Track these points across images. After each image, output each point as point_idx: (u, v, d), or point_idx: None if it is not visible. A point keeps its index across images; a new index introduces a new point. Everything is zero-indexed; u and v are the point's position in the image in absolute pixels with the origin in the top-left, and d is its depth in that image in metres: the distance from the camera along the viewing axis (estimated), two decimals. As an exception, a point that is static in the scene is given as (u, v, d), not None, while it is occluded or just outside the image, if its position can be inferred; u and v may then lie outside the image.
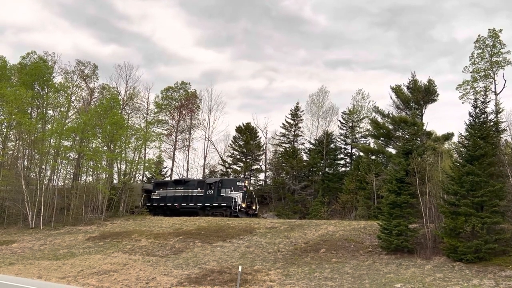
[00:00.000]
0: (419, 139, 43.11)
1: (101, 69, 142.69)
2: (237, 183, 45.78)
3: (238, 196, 43.86)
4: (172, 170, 66.85)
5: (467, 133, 26.30)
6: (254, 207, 45.59)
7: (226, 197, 44.38)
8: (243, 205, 43.79)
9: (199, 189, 46.81)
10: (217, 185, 45.71)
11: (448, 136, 50.16)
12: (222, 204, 44.36)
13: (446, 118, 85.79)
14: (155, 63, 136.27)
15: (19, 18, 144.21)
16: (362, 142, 59.48)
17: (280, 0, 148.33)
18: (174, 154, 66.89)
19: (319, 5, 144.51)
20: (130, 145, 51.93)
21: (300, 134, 64.48)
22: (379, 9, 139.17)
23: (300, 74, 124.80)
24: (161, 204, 49.19)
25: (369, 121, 57.56)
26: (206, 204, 45.48)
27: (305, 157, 61.06)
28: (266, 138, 66.38)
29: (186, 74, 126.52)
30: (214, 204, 44.97)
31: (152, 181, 55.68)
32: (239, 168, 64.96)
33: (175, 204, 47.96)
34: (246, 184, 47.45)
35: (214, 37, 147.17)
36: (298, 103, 64.71)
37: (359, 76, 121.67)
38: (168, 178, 64.18)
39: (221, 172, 65.50)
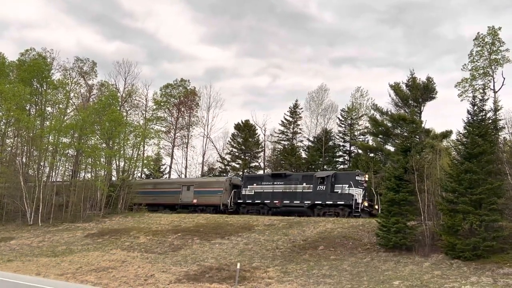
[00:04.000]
0: (417, 137, 43.17)
1: (104, 66, 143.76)
2: (356, 178, 38.63)
3: (358, 193, 37.36)
4: (170, 167, 67.00)
5: (466, 131, 26.32)
6: (376, 206, 37.37)
7: (343, 194, 37.64)
8: (365, 204, 37.46)
9: (304, 184, 40.34)
10: (330, 180, 38.94)
11: (446, 134, 50.27)
12: (339, 203, 37.46)
13: (452, 115, 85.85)
14: (159, 60, 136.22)
15: (23, 14, 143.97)
16: (360, 139, 59.55)
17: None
18: (172, 151, 67.00)
19: (325, 2, 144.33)
20: (128, 142, 51.85)
21: (299, 132, 64.62)
22: (385, 6, 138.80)
23: (305, 71, 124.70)
24: (256, 201, 42.67)
25: (368, 119, 57.65)
26: (316, 202, 38.83)
27: (303, 155, 61.20)
28: (264, 135, 66.47)
29: (190, 71, 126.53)
30: (327, 202, 38.27)
31: (244, 175, 50.77)
32: (237, 166, 65.04)
33: (274, 201, 41.41)
34: (366, 179, 39.86)
35: (219, 34, 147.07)
36: (297, 101, 64.95)
37: (364, 74, 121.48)
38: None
39: (220, 169, 65.56)
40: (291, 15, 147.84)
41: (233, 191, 44.97)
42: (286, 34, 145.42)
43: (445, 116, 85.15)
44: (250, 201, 43.25)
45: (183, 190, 48.09)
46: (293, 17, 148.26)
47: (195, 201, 46.58)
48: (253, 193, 43.35)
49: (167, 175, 65.29)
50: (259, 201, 42.49)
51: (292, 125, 64.61)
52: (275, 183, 42.43)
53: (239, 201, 44.02)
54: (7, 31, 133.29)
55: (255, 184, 43.78)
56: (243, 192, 44.16)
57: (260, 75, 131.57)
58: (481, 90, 40.72)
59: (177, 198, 47.96)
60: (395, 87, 54.07)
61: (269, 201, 41.87)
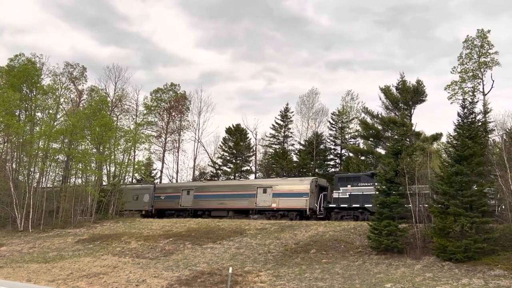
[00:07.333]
0: (408, 140, 43.33)
1: (99, 71, 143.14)
2: None
3: None
4: (161, 171, 66.84)
5: (456, 133, 26.49)
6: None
7: None
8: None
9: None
10: None
11: (436, 136, 50.63)
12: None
13: (446, 117, 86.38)
14: (155, 64, 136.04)
15: (17, 19, 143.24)
16: (351, 142, 59.78)
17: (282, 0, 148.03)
18: (163, 155, 66.82)
19: (321, 5, 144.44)
20: (119, 147, 51.69)
21: (290, 135, 64.78)
22: (382, 7, 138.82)
23: (301, 75, 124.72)
24: (353, 205, 37.28)
25: (359, 122, 57.90)
26: None
27: (295, 158, 61.28)
28: (256, 139, 66.47)
29: (185, 75, 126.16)
30: None
31: (335, 175, 44.01)
32: (229, 170, 65.02)
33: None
34: None
35: (215, 38, 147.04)
36: (287, 104, 65.12)
37: (360, 77, 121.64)
38: (170, 179, 63.27)
39: (211, 173, 65.46)
40: (287, 18, 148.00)
41: (322, 194, 40.07)
42: (282, 37, 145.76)
43: (440, 118, 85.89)
44: (345, 205, 37.88)
45: (258, 193, 43.15)
46: (290, 20, 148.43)
47: (274, 205, 41.68)
48: (347, 196, 38.04)
49: (158, 180, 65.12)
50: (357, 205, 37.10)
51: (283, 129, 64.76)
52: (376, 183, 34.73)
53: (330, 205, 39.01)
54: (1, 35, 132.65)
55: (349, 186, 38.38)
56: (335, 195, 38.90)
57: (256, 78, 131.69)
58: (470, 93, 41.15)
59: (252, 202, 43.11)
60: (386, 90, 54.35)
61: (371, 205, 34.99)
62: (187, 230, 35.83)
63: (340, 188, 38.57)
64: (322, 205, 39.33)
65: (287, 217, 39.96)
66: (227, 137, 66.74)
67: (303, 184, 41.21)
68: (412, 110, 53.47)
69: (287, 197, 41.21)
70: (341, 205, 38.01)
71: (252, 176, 63.58)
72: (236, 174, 63.97)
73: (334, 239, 29.02)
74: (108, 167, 53.07)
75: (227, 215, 43.38)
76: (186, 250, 30.55)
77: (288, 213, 40.60)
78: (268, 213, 41.71)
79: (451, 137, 27.36)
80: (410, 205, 27.09)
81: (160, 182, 63.20)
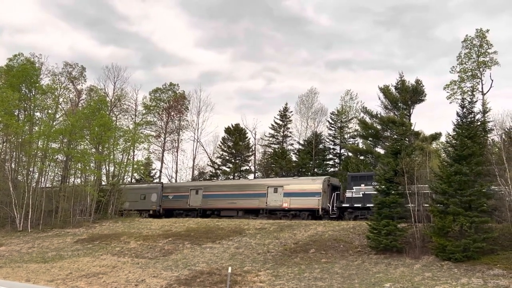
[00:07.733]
0: (407, 139, 43.35)
1: (98, 71, 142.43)
2: None
3: None
4: (161, 171, 66.80)
5: (455, 133, 26.49)
6: None
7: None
8: None
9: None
10: None
11: (436, 136, 50.59)
12: None
13: (446, 117, 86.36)
14: (154, 64, 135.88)
15: (17, 18, 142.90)
16: (350, 142, 59.79)
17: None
18: (163, 155, 66.80)
19: (321, 5, 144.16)
20: (118, 146, 51.65)
21: (289, 135, 64.77)
22: (382, 7, 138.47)
23: (300, 74, 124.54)
24: (367, 204, 34.80)
25: (358, 122, 57.89)
26: None
27: (294, 158, 61.25)
28: (255, 139, 66.48)
29: (184, 75, 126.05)
30: None
31: (348, 174, 42.52)
32: (228, 169, 64.98)
33: None
34: None
35: (215, 38, 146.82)
36: (286, 104, 65.17)
37: (360, 77, 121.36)
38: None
39: (210, 173, 65.43)
40: (287, 18, 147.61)
41: (334, 194, 39.12)
42: (282, 37, 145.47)
43: (439, 117, 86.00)
44: (359, 204, 36.61)
45: (269, 193, 42.24)
46: (290, 20, 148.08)
47: (285, 205, 40.70)
48: (361, 196, 36.62)
49: (157, 179, 65.04)
50: (371, 205, 33.31)
51: (282, 129, 64.75)
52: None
53: (343, 205, 37.99)
54: (0, 35, 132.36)
55: (362, 185, 36.91)
56: (348, 195, 37.77)
57: (255, 78, 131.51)
58: (469, 93, 41.16)
59: (263, 201, 42.20)
60: (385, 90, 54.32)
61: None
62: (186, 230, 35.81)
63: (354, 188, 37.51)
64: (335, 204, 38.46)
65: (299, 217, 39.14)
66: (226, 136, 66.74)
67: (315, 184, 40.19)
68: (411, 110, 53.47)
69: (299, 196, 40.23)
70: (355, 205, 36.98)
71: (251, 176, 63.55)
72: (235, 174, 63.93)
73: (333, 239, 29.02)
74: (107, 167, 53.08)
75: (236, 215, 42.59)
76: (185, 250, 30.55)
77: (300, 213, 39.67)
78: (279, 213, 40.78)
79: (450, 136, 27.36)
80: (409, 205, 27.13)
81: (159, 182, 63.10)
